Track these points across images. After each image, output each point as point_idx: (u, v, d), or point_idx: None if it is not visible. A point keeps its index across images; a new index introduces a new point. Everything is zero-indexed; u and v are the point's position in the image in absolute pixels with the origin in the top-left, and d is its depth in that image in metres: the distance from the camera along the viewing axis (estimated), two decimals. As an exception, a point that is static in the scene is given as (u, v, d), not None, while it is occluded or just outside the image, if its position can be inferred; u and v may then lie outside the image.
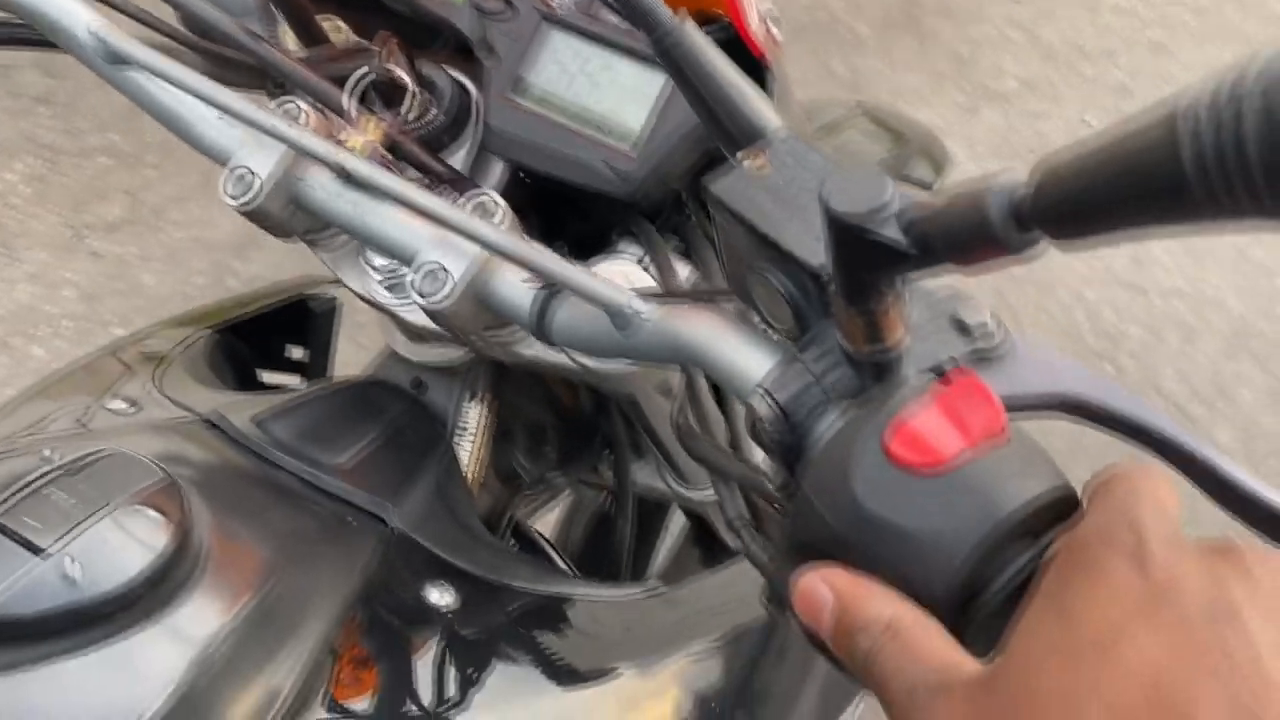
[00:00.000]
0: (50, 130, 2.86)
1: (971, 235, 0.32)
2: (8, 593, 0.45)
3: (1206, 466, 0.39)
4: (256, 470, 0.59)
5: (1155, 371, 1.93)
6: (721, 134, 0.45)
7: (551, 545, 0.77)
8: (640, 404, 0.73)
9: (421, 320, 0.62)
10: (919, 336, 0.43)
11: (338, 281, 0.65)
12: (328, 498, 0.59)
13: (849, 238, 0.34)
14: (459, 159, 0.64)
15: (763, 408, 0.40)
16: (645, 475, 0.86)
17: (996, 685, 0.31)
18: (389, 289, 0.62)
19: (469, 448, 0.68)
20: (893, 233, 0.34)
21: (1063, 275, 2.35)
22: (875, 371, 0.40)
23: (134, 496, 0.49)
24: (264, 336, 0.85)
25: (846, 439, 0.37)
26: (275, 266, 2.26)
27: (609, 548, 0.85)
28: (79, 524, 0.48)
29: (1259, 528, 0.39)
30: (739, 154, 0.44)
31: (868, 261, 0.35)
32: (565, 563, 0.74)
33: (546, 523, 0.97)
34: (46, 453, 0.52)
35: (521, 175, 0.65)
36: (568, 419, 0.80)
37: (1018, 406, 0.41)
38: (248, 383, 0.81)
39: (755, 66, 0.59)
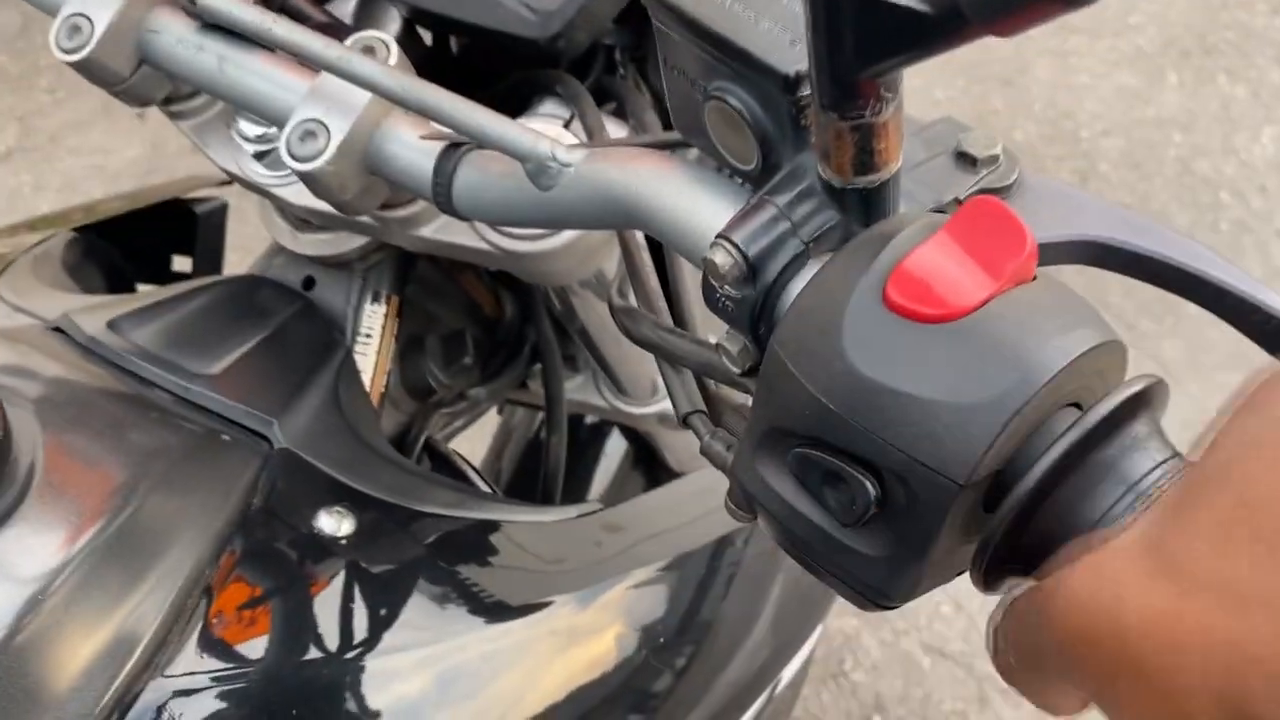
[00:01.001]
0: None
1: None
2: None
3: (1274, 316, 0.31)
4: (109, 382, 0.49)
5: (1103, 289, 1.88)
6: None
7: (473, 468, 0.68)
8: (572, 305, 0.64)
9: (306, 201, 0.52)
10: (916, 178, 0.34)
11: (229, 181, 0.55)
12: (198, 412, 0.50)
13: (841, 5, 0.25)
14: (346, 10, 0.53)
15: (723, 259, 0.31)
16: (580, 391, 0.77)
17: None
18: (264, 163, 0.52)
19: (370, 356, 0.58)
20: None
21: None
22: (866, 213, 0.31)
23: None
24: (143, 244, 0.74)
25: (832, 289, 0.28)
26: (181, 196, 2.13)
27: (541, 475, 0.76)
28: None
29: None
30: None
31: (866, 40, 0.26)
32: (489, 486, 0.66)
33: (471, 452, 0.88)
34: None
35: (418, 28, 0.55)
36: (489, 326, 0.71)
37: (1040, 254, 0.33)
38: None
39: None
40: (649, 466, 0.90)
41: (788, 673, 0.67)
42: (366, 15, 0.53)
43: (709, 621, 0.63)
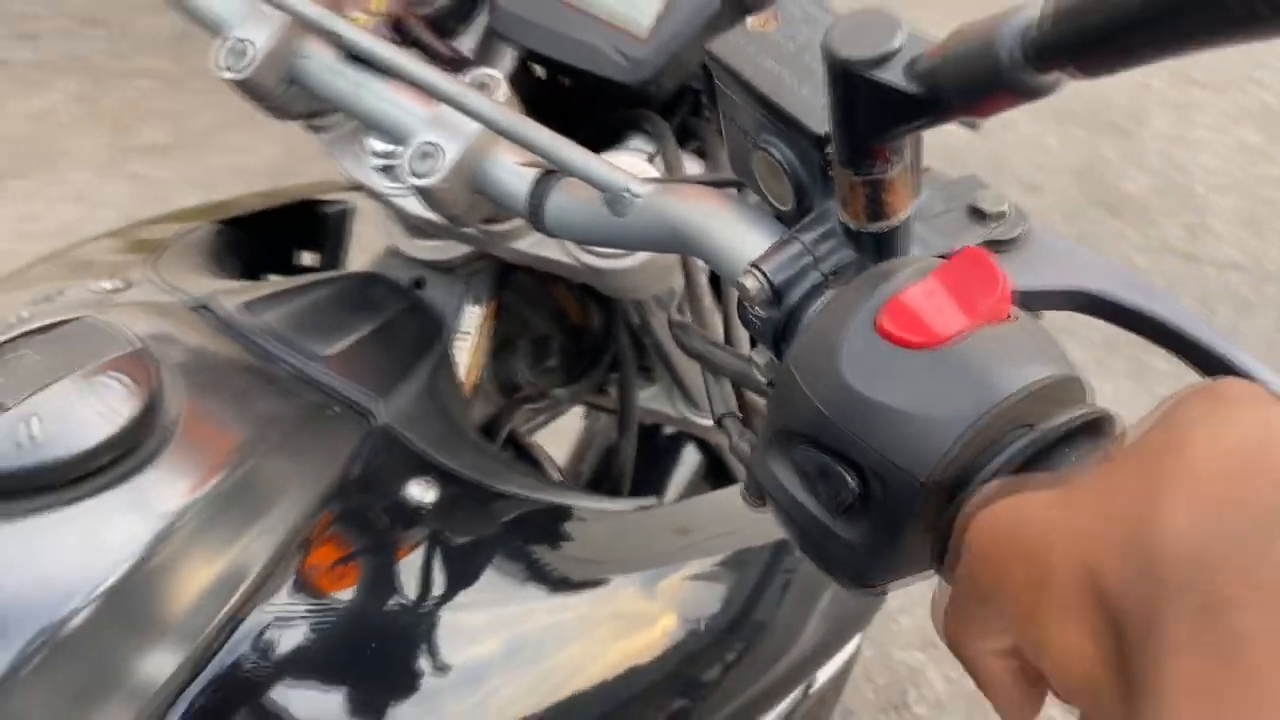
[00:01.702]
0: (99, 52, 2.86)
1: (985, 75, 0.28)
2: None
3: (1241, 373, 0.36)
4: (241, 355, 0.57)
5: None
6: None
7: (551, 461, 0.74)
8: (648, 320, 0.70)
9: (419, 210, 0.59)
10: (932, 226, 0.40)
11: (356, 188, 0.63)
12: (313, 388, 0.57)
13: (852, 86, 0.31)
14: (468, 45, 0.61)
15: (753, 284, 0.37)
16: (654, 400, 0.83)
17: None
18: (386, 176, 0.59)
19: (466, 351, 0.66)
20: (898, 79, 0.30)
21: (1115, 244, 2.28)
22: (878, 253, 0.37)
23: (104, 364, 0.48)
24: (274, 239, 0.83)
25: (837, 314, 0.34)
26: (312, 196, 2.27)
27: (612, 472, 0.82)
28: (45, 386, 0.46)
29: None
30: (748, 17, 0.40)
31: (872, 114, 0.32)
32: (563, 478, 0.72)
33: (557, 452, 0.95)
34: (24, 314, 0.50)
35: (531, 66, 0.62)
36: (574, 334, 0.78)
37: (1033, 299, 0.38)
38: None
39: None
40: (718, 478, 0.96)
41: (824, 674, 0.71)
42: (486, 51, 0.60)
43: (761, 619, 0.68)
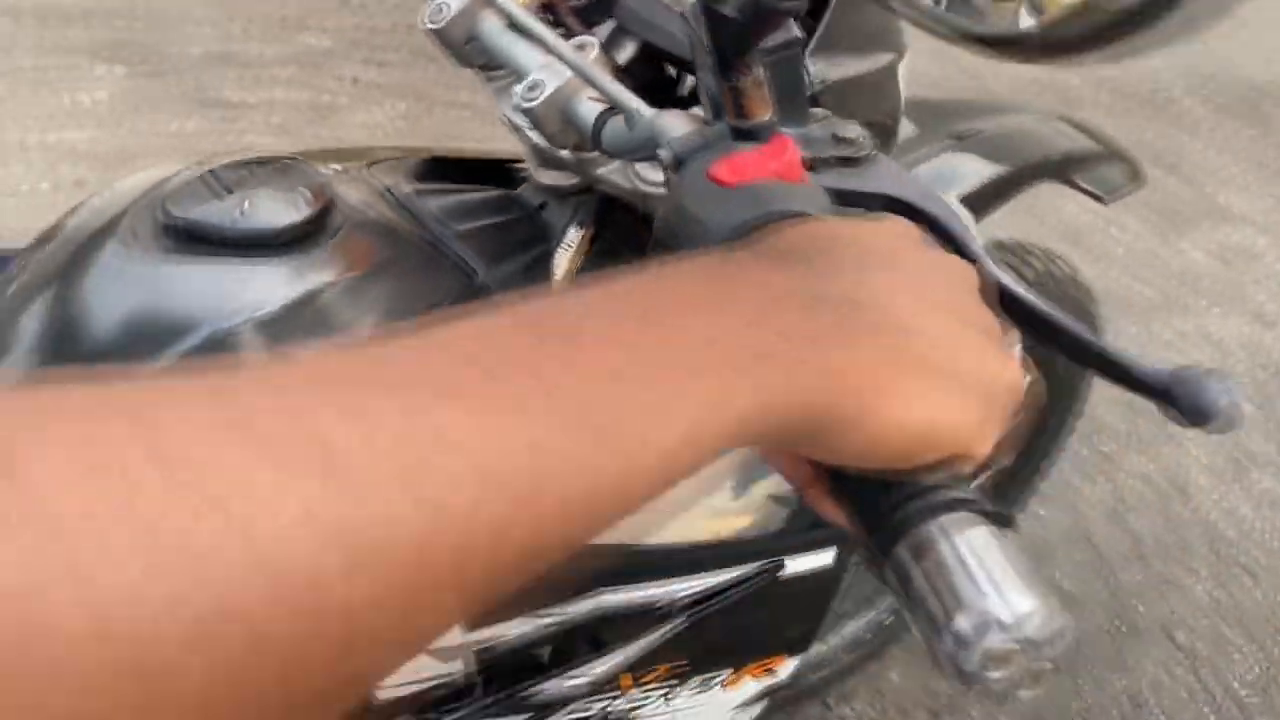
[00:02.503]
0: (430, 81, 3.34)
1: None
2: (205, 215, 0.70)
3: (967, 247, 0.52)
4: (398, 215, 0.82)
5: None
6: None
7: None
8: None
9: (542, 143, 0.82)
10: (807, 143, 0.58)
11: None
12: (440, 248, 0.81)
13: (711, 18, 0.51)
14: (602, 34, 0.84)
15: (665, 152, 0.57)
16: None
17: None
18: (524, 116, 0.83)
19: (565, 259, 0.88)
20: (733, 11, 0.50)
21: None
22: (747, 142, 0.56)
23: (298, 182, 0.73)
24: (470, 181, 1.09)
25: (694, 164, 0.54)
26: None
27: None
28: (258, 187, 0.72)
29: (1057, 348, 0.52)
30: None
31: (726, 36, 0.51)
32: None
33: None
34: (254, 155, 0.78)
35: (653, 56, 0.84)
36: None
37: (854, 197, 0.56)
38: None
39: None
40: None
41: (793, 565, 0.86)
42: (613, 40, 0.83)
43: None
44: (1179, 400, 0.45)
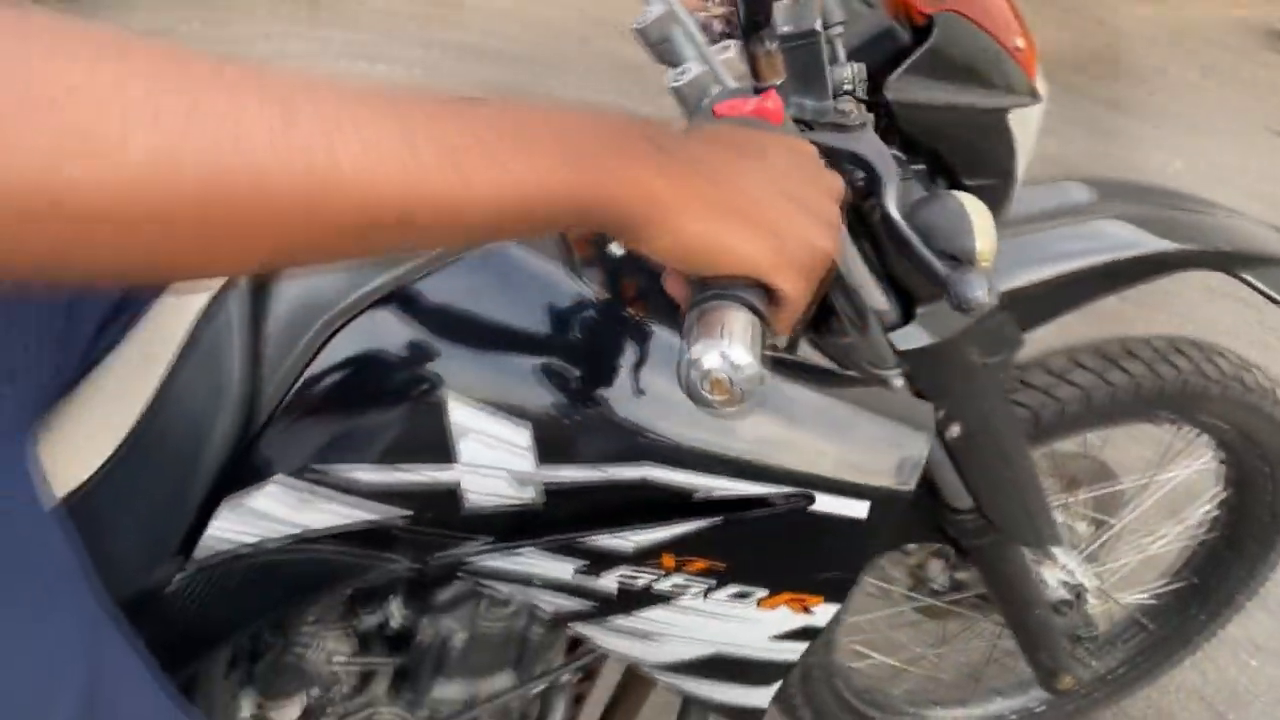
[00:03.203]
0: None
1: None
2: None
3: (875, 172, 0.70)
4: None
5: None
6: None
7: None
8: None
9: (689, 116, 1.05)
10: (814, 111, 0.78)
11: None
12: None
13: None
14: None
15: (689, 92, 0.78)
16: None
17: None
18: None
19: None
20: None
21: None
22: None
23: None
24: None
25: (706, 104, 0.75)
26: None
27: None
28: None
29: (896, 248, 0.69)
30: None
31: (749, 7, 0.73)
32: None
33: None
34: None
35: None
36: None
37: (828, 150, 0.75)
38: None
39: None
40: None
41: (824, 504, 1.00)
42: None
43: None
44: (950, 290, 0.61)
